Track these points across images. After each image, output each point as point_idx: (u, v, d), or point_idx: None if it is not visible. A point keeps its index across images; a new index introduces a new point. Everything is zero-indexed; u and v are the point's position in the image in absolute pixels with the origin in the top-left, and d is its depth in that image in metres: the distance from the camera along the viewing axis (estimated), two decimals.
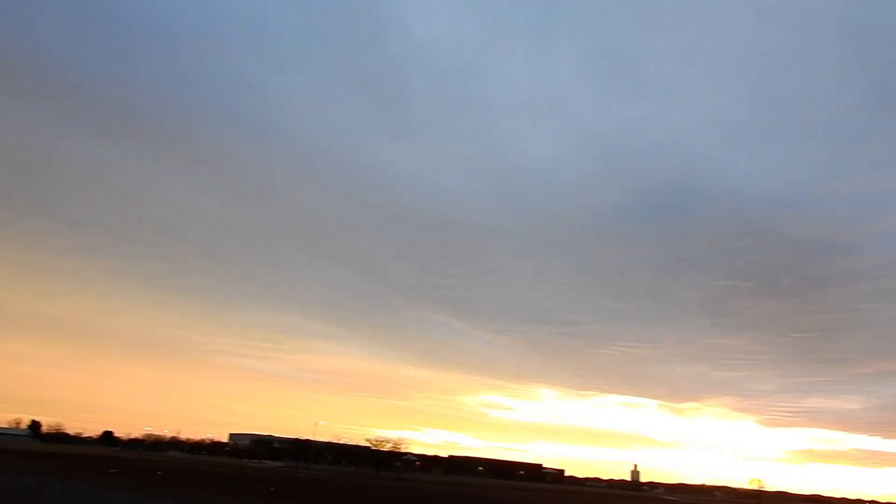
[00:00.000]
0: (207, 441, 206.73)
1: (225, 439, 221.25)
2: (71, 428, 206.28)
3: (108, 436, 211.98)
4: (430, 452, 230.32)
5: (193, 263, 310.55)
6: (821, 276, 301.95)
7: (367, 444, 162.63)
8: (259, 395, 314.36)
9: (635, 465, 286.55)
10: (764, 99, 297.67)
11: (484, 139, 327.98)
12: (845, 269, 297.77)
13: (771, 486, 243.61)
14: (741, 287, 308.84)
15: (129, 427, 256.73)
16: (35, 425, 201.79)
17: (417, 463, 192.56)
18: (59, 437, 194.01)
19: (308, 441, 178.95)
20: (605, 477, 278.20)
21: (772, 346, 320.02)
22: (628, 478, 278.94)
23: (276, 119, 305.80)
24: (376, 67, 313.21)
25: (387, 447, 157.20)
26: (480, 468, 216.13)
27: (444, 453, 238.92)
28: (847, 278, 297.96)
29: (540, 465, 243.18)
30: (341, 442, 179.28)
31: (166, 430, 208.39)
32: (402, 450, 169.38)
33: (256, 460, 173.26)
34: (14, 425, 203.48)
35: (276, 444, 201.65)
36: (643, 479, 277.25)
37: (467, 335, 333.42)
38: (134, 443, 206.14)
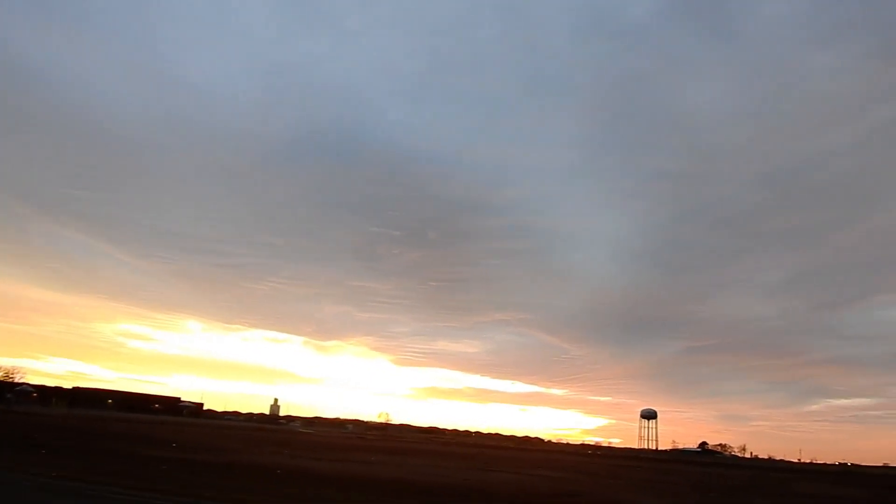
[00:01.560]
0: None
1: None
2: None
3: None
4: (53, 383, 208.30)
5: None
6: (459, 232, 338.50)
7: None
8: None
9: (275, 400, 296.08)
10: (435, 59, 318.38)
11: (147, 43, 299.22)
12: (479, 228, 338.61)
13: (397, 419, 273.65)
14: (391, 235, 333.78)
15: None
16: None
17: (34, 394, 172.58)
18: None
19: None
20: (245, 410, 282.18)
21: (412, 291, 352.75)
22: (268, 411, 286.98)
23: None
24: None
25: None
26: (110, 401, 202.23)
27: (69, 384, 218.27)
28: (479, 236, 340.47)
29: (178, 398, 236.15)
30: None
31: None
32: (17, 380, 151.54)
33: None
34: None
35: None
36: (283, 412, 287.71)
37: (109, 258, 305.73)
38: None
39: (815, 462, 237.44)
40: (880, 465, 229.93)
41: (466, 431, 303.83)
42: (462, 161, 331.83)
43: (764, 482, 68.58)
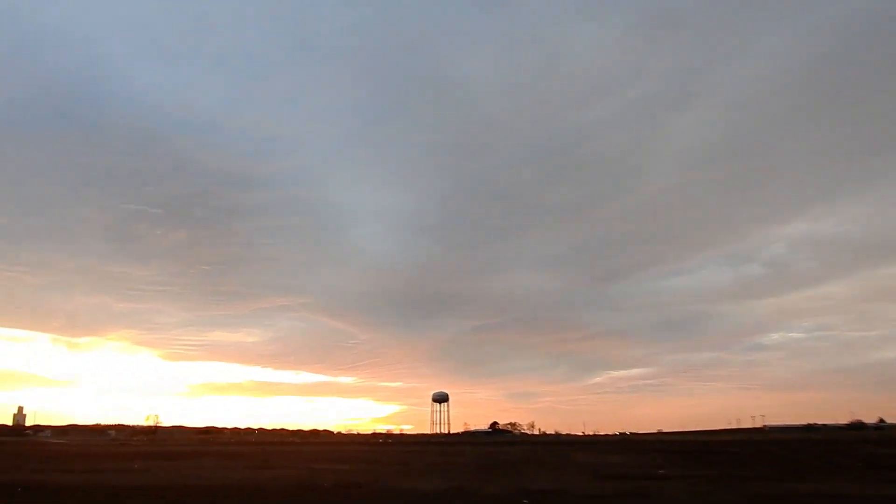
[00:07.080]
0: None
1: None
2: None
3: None
4: None
5: None
6: (227, 209, 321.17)
7: None
8: None
9: (20, 408, 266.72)
10: (191, 15, 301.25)
11: None
12: (248, 203, 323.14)
13: (168, 420, 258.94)
14: (150, 213, 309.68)
15: None
16: None
17: None
18: None
19: None
20: None
21: (179, 277, 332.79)
22: (11, 422, 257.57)
23: None
24: None
25: None
26: None
27: None
28: (249, 213, 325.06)
29: None
30: None
31: None
32: None
33: None
34: None
35: None
36: (30, 422, 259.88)
37: None
38: None
39: (597, 434, 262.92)
40: (654, 431, 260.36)
41: (248, 429, 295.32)
42: (224, 129, 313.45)
43: (544, 455, 74.48)
